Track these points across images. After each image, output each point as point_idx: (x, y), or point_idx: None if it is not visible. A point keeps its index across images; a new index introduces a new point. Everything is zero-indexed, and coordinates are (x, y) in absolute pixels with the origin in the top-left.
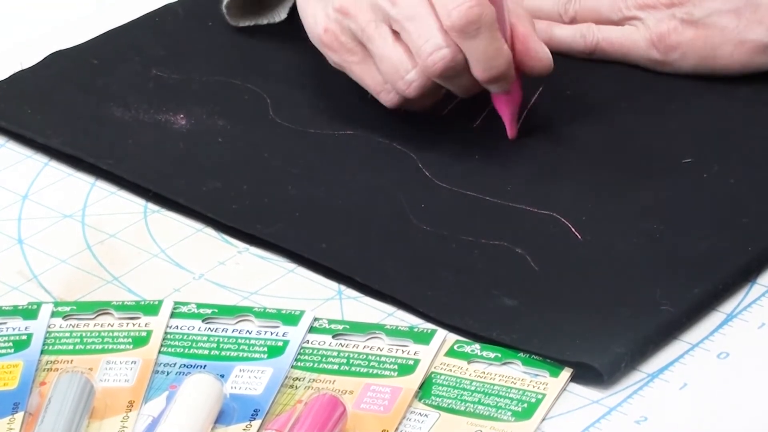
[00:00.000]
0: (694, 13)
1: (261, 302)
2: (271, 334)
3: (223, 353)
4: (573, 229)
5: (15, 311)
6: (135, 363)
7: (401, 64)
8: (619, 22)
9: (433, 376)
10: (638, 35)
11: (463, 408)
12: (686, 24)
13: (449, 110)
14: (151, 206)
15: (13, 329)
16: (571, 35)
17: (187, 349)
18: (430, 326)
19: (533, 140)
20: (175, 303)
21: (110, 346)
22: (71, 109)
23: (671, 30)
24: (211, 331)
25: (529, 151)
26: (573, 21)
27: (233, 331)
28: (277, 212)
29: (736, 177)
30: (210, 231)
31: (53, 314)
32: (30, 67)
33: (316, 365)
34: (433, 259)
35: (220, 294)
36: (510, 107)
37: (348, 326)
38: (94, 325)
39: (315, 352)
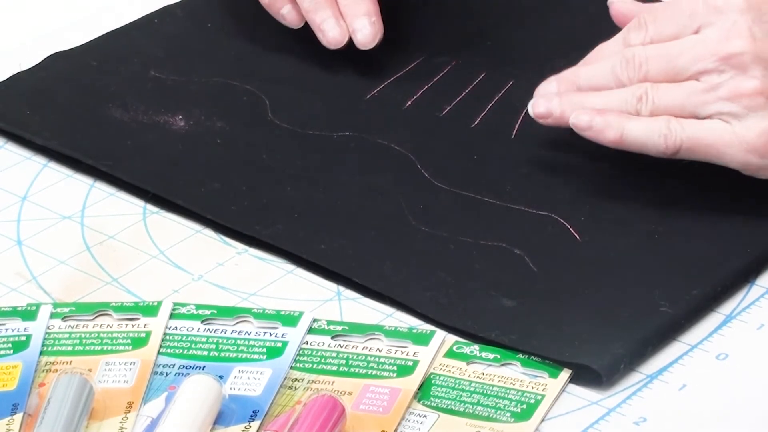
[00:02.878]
0: None
1: (260, 303)
2: (270, 335)
3: (222, 354)
4: (572, 230)
5: (14, 312)
6: (134, 364)
7: None
8: (706, 117)
9: (432, 377)
10: (731, 135)
11: (462, 409)
12: None
13: (448, 110)
14: (150, 207)
15: (12, 330)
16: (648, 133)
17: (186, 350)
18: (429, 327)
19: (532, 141)
20: (174, 304)
21: (109, 347)
22: (70, 111)
23: None
24: (210, 332)
25: (528, 152)
26: None
27: (232, 332)
28: (276, 213)
29: (736, 177)
30: (209, 232)
31: (52, 315)
32: (29, 69)
33: (315, 366)
34: (431, 260)
35: (219, 295)
36: None
37: (347, 327)
38: (93, 326)
39: (314, 353)
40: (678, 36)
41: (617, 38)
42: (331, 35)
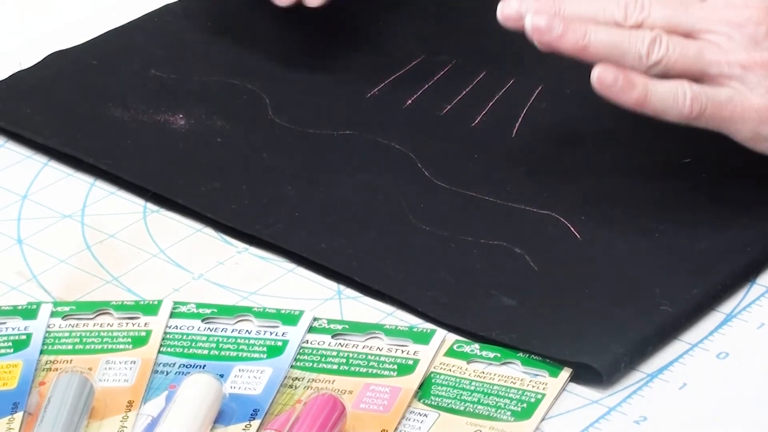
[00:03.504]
0: None
1: (260, 302)
2: (271, 334)
3: (223, 353)
4: (572, 229)
5: (14, 311)
6: (134, 363)
7: None
8: (715, 79)
9: (432, 375)
10: (749, 104)
11: (462, 408)
12: None
13: (449, 109)
14: (151, 206)
15: (13, 329)
16: (673, 95)
17: (186, 349)
18: (429, 326)
19: (533, 140)
20: (175, 303)
21: (109, 346)
22: (70, 110)
23: None
24: (211, 331)
25: (529, 151)
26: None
27: (233, 331)
28: (276, 212)
29: (736, 177)
30: (209, 231)
31: (52, 314)
32: (29, 68)
33: (315, 365)
34: (432, 258)
35: (220, 294)
36: None
37: (347, 326)
38: (94, 325)
39: (314, 351)
40: (682, 4)
41: None
42: None
